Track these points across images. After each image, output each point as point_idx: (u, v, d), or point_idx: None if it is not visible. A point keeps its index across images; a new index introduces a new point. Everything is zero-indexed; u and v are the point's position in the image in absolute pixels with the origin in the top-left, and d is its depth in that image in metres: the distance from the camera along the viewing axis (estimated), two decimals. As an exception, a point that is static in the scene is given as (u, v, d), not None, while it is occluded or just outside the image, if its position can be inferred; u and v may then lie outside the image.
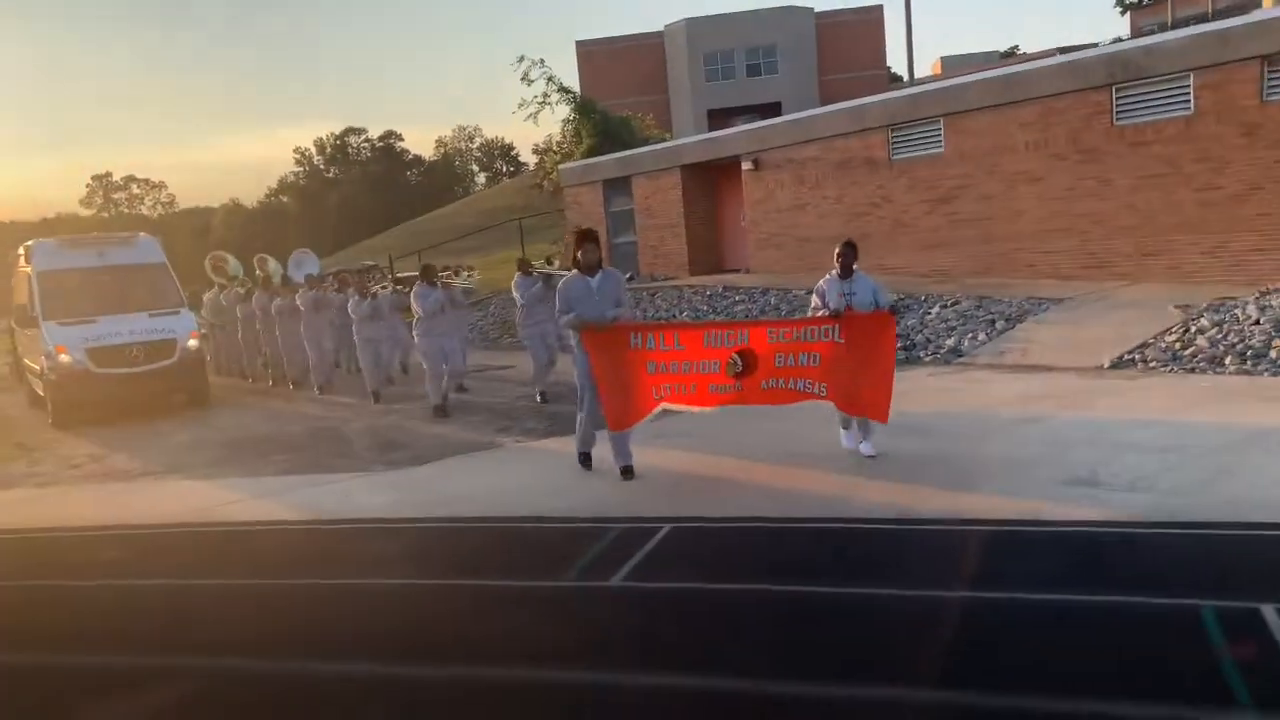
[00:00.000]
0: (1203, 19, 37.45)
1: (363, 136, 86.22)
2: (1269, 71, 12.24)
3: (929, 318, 13.45)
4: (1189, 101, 13.00)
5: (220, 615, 4.93)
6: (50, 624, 5.00)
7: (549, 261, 14.39)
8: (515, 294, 12.05)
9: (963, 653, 3.72)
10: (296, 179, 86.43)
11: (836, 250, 7.30)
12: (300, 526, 6.76)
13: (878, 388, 6.77)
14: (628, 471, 6.97)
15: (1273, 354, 9.37)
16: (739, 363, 6.85)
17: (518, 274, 12.30)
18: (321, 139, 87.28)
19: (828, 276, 7.29)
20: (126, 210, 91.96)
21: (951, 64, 59.08)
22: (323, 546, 6.27)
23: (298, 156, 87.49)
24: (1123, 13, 59.02)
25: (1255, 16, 12.96)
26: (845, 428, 7.23)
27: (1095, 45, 38.88)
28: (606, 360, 6.87)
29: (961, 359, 11.71)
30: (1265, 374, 9.02)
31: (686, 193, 21.18)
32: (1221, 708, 3.08)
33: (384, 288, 13.76)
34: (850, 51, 47.63)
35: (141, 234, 14.94)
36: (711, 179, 21.29)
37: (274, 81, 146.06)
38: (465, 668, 3.98)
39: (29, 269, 13.15)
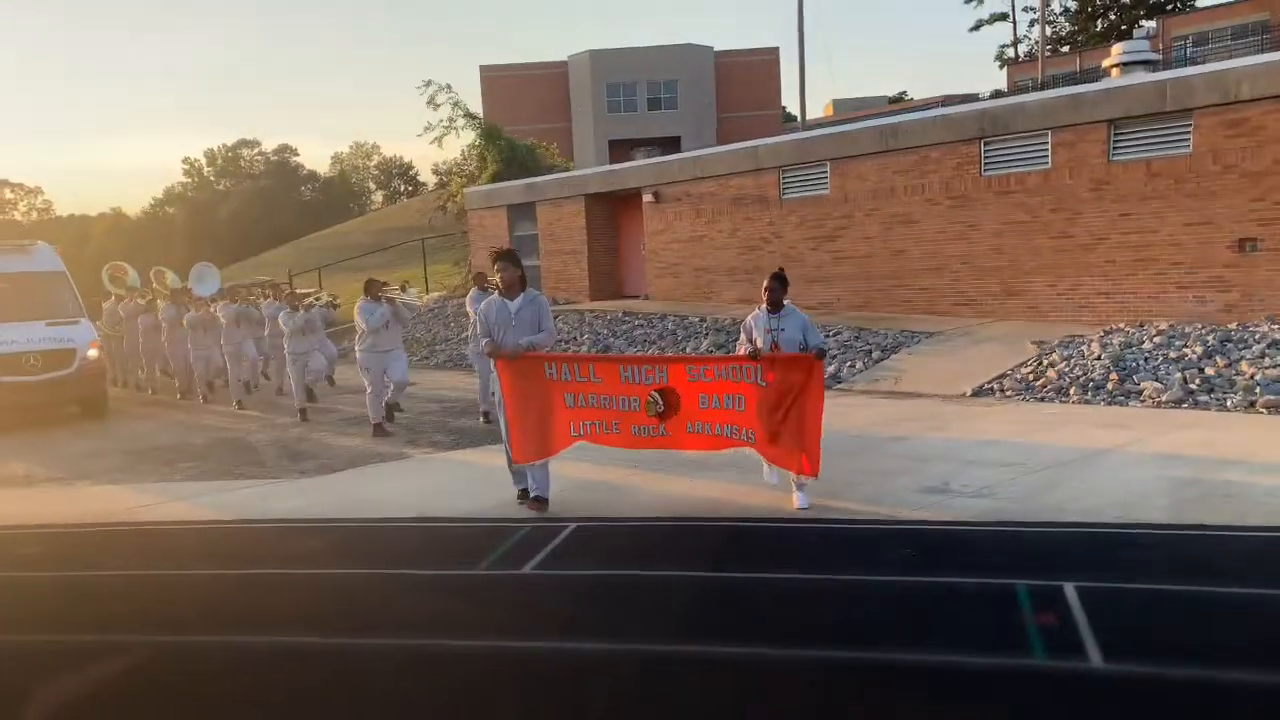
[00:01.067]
0: (1071, 79, 40.43)
1: (256, 149, 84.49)
2: (1115, 134, 13.69)
3: (813, 346, 14.41)
4: (1047, 156, 14.38)
5: (160, 599, 5.28)
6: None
7: (404, 287, 14.08)
8: (359, 319, 10.86)
9: (821, 622, 4.42)
10: (184, 190, 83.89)
11: (765, 284, 6.78)
12: (219, 526, 7.08)
13: (804, 437, 6.33)
14: (540, 503, 6.73)
15: (1109, 386, 10.56)
16: (659, 401, 6.51)
17: (363, 298, 11.03)
18: (213, 150, 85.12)
19: (756, 311, 6.92)
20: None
21: (843, 106, 61.86)
22: (245, 542, 6.62)
23: (186, 167, 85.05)
24: (1001, 67, 62.97)
25: (1104, 84, 14.45)
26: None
27: (976, 96, 41.51)
28: (521, 390, 6.63)
29: (840, 385, 12.65)
30: (1101, 403, 10.18)
31: (590, 221, 21.90)
32: (1024, 657, 3.85)
33: (316, 300, 13.95)
34: (747, 90, 49.37)
35: (40, 242, 14.74)
36: (614, 209, 22.07)
37: (163, 89, 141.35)
38: (393, 639, 4.48)
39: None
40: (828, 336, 14.67)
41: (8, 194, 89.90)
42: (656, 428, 6.62)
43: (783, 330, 6.61)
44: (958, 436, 8.57)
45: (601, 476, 7.75)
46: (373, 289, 11.03)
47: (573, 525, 6.22)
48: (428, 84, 26.50)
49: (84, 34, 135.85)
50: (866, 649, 4.09)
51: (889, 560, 5.22)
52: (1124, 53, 15.10)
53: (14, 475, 9.64)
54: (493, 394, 8.11)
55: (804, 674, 3.89)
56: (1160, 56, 17.06)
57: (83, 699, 4.07)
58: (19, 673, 4.35)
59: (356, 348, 11.08)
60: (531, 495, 6.80)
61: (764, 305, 6.77)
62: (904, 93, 71.24)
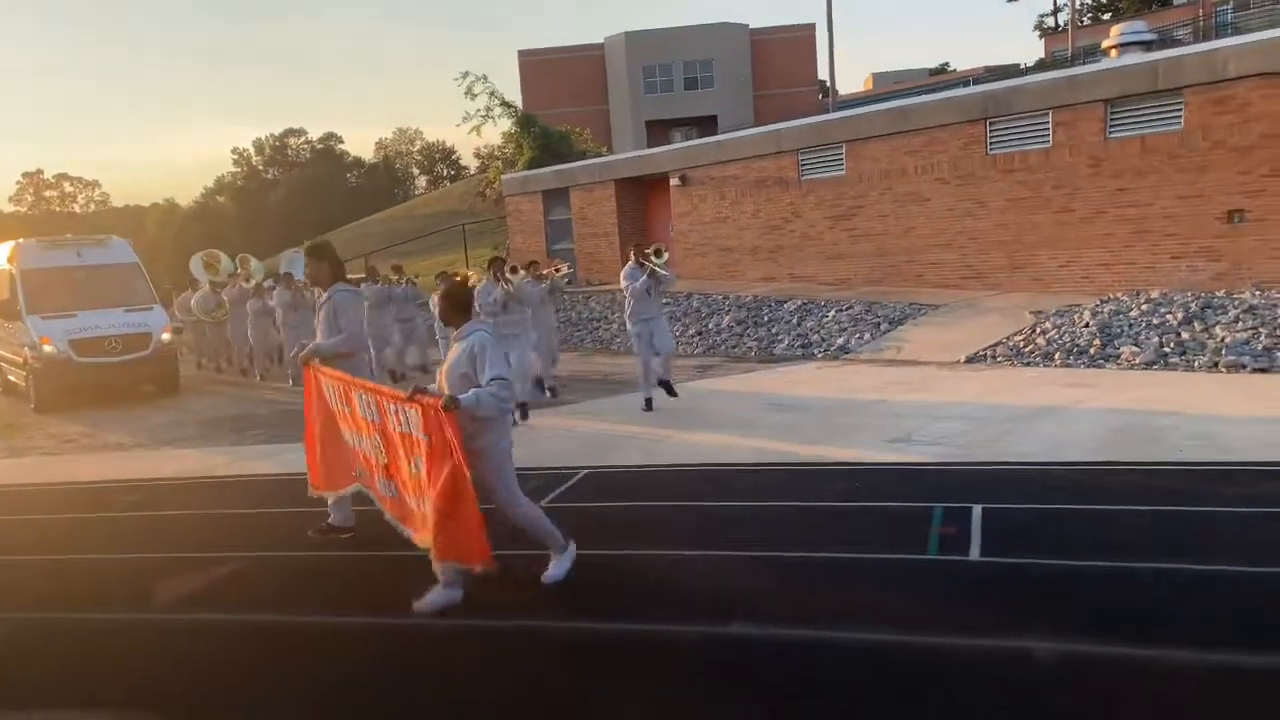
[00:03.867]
0: (1094, 50, 40.38)
1: (303, 138, 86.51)
2: (1111, 113, 14.41)
3: (825, 320, 15.37)
4: (1048, 135, 15.13)
5: (244, 529, 6.50)
6: (94, 544, 6.51)
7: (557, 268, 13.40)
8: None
9: (773, 535, 5.50)
10: (234, 179, 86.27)
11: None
12: (286, 478, 8.29)
13: (432, 513, 4.55)
14: (341, 531, 6.11)
15: (1091, 350, 11.42)
16: (381, 449, 5.15)
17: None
18: (261, 140, 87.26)
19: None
20: (58, 208, 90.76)
21: (883, 80, 61.86)
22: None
23: (236, 157, 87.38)
24: (1040, 37, 62.58)
25: (1100, 65, 15.15)
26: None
27: (1018, 68, 41.43)
28: (315, 406, 5.85)
29: (848, 355, 13.62)
30: (1080, 366, 11.05)
31: (620, 204, 22.97)
32: (919, 553, 4.93)
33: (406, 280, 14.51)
34: (784, 67, 49.69)
35: (114, 236, 16.18)
36: (643, 192, 23.09)
37: (212, 81, 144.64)
38: (413, 552, 5.65)
39: (11, 268, 14.35)
40: (840, 310, 15.62)
41: (67, 187, 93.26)
42: (385, 481, 5.20)
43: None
44: (935, 398, 9.54)
45: (610, 431, 8.88)
46: (497, 266, 10.36)
47: (584, 472, 7.36)
48: (464, 75, 27.73)
49: (133, 29, 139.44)
50: (801, 550, 5.20)
51: (838, 491, 6.30)
52: (1122, 34, 15.76)
53: (108, 443, 11.01)
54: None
55: (763, 568, 4.98)
56: (1156, 37, 17.57)
57: (199, 591, 5.29)
58: (151, 574, 5.59)
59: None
60: (334, 524, 6.15)
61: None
62: (946, 64, 70.62)
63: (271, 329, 16.30)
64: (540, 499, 6.64)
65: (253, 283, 17.16)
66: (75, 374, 13.66)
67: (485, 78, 27.66)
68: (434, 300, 11.17)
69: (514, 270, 10.26)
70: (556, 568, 4.99)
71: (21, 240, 15.09)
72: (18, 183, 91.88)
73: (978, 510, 5.47)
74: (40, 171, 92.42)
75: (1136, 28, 16.32)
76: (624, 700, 3.69)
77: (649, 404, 9.86)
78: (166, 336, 14.67)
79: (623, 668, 3.99)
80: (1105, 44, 16.48)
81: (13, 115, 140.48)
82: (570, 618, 4.53)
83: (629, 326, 10.26)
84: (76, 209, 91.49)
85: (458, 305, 4.98)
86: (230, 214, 78.02)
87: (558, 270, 12.20)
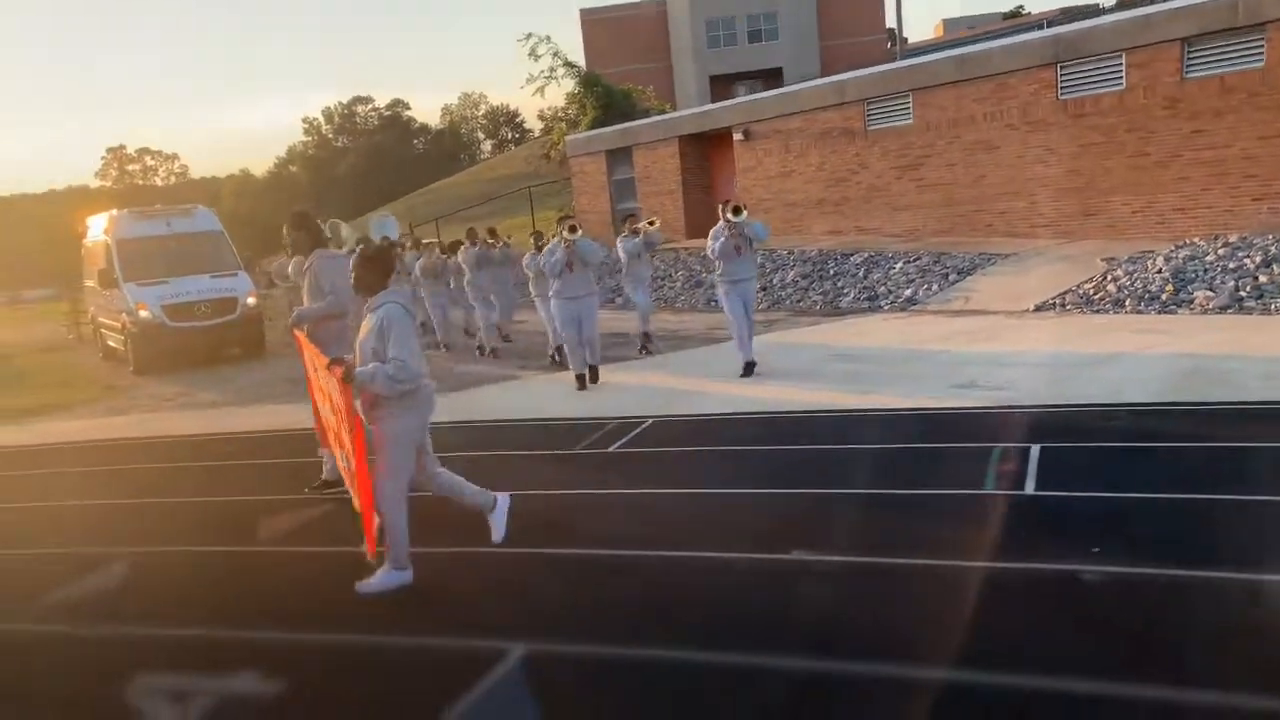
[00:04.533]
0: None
1: (370, 105, 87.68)
2: (1188, 52, 14.00)
3: (893, 272, 15.34)
4: (1121, 78, 14.77)
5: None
6: (197, 489, 7.03)
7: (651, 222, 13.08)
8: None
9: (840, 473, 5.71)
10: (305, 148, 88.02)
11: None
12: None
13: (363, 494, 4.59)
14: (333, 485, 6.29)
15: (1163, 296, 11.27)
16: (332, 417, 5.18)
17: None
18: (329, 108, 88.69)
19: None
20: (140, 182, 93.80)
21: (954, 25, 60.22)
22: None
23: (306, 126, 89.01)
24: (1119, -23, 60.04)
25: (1175, 4, 14.67)
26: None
27: (1098, 8, 39.75)
28: (308, 366, 5.93)
29: (915, 306, 13.61)
30: (1152, 312, 10.92)
31: (683, 161, 23.01)
32: (976, 488, 5.11)
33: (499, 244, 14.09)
34: (850, 16, 48.54)
35: (200, 206, 16.90)
36: (706, 148, 23.09)
37: (283, 51, 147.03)
38: (514, 491, 6.01)
39: (107, 239, 15.12)
40: (908, 262, 15.56)
41: (149, 160, 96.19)
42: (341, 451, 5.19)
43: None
44: (1002, 346, 9.57)
45: (673, 384, 9.17)
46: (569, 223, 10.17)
47: (650, 420, 7.65)
48: (528, 36, 27.88)
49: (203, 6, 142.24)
50: (857, 488, 5.43)
51: (898, 435, 6.47)
52: (1201, -31, 15.18)
53: (203, 400, 11.67)
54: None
55: (820, 504, 5.22)
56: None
57: (309, 521, 5.74)
58: (251, 514, 6.06)
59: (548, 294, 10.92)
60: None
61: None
62: (1020, 7, 68.16)
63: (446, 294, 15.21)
64: (610, 444, 6.96)
65: (345, 249, 17.17)
66: (169, 338, 14.39)
67: (549, 39, 27.94)
68: (525, 259, 11.45)
69: (572, 230, 10.21)
70: (382, 580, 4.60)
71: (115, 211, 15.86)
72: (102, 158, 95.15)
73: (1036, 449, 5.60)
74: (123, 146, 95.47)
75: (1216, -38, 15.70)
76: (678, 614, 3.96)
77: (749, 368, 9.21)
78: (251, 301, 15.33)
79: (682, 584, 4.27)
80: (1183, -20, 15.90)
81: (95, 91, 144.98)
82: (634, 545, 4.81)
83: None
84: (158, 182, 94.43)
85: (378, 270, 4.68)
86: (302, 182, 79.75)
87: (651, 224, 12.33)
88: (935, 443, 6.23)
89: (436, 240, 17.89)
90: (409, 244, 16.86)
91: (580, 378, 9.40)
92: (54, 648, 4.27)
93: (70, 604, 4.82)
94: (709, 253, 9.47)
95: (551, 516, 5.52)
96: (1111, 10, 28.21)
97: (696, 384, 9.18)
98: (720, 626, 3.82)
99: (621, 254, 11.77)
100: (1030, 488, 5.01)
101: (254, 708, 3.55)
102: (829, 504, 5.25)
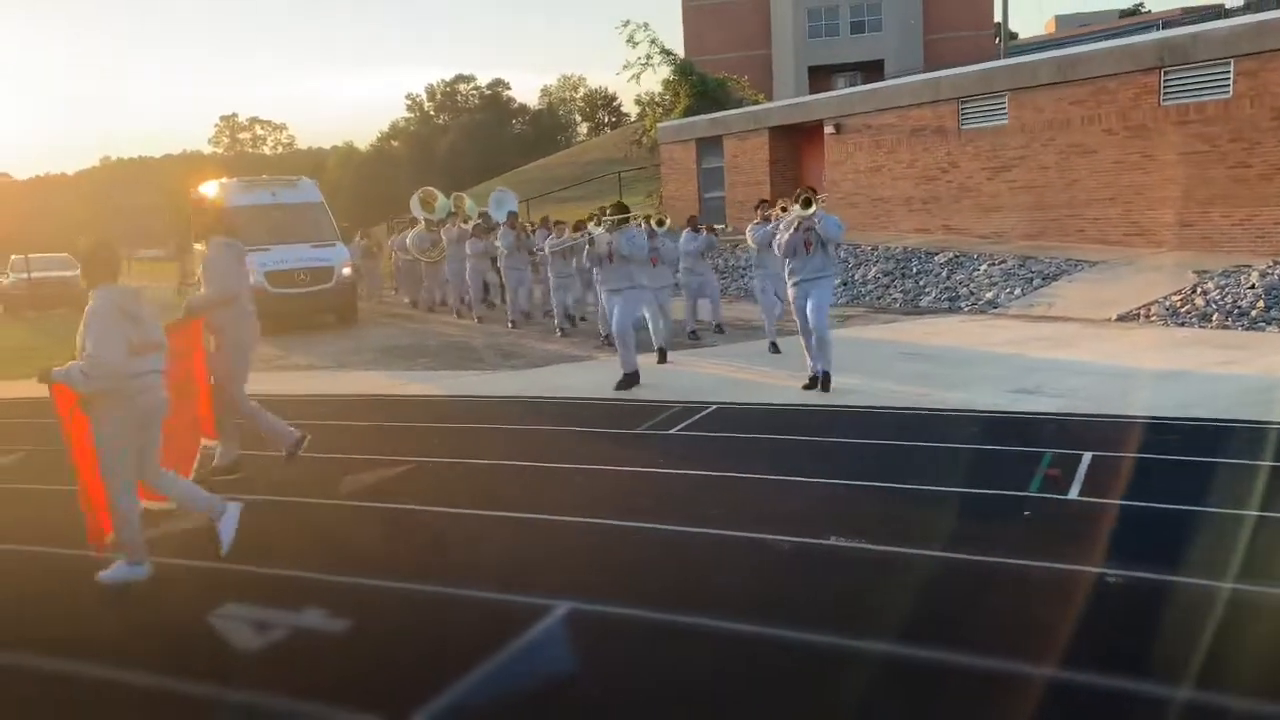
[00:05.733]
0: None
1: (471, 84, 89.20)
2: (1301, 61, 13.52)
3: (976, 274, 15.21)
4: (1228, 86, 14.32)
5: (419, 439, 7.39)
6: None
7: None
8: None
9: (896, 467, 5.87)
10: (408, 124, 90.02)
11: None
12: (455, 399, 9.27)
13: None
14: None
15: (1253, 313, 10.99)
16: None
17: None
18: (432, 85, 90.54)
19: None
20: (250, 150, 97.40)
21: (1066, 23, 58.27)
22: (476, 410, 8.82)
23: (409, 102, 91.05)
24: (1248, -25, 57.27)
25: (1292, 10, 14.16)
26: None
27: (1221, 8, 38.05)
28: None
29: (996, 309, 13.52)
30: (1239, 329, 10.68)
31: (773, 153, 23.04)
32: (1020, 490, 5.24)
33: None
34: (957, 9, 47.30)
35: (303, 177, 17.70)
36: (796, 141, 23.07)
37: (391, 27, 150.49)
38: (575, 465, 6.34)
39: (218, 205, 15.98)
40: (992, 264, 15.38)
41: (259, 130, 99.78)
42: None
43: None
44: (1075, 354, 9.51)
45: (738, 374, 9.40)
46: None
47: (713, 406, 7.91)
48: (626, 23, 28.20)
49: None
50: (903, 482, 5.60)
51: (955, 434, 6.58)
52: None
53: (298, 364, 12.34)
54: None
55: (867, 496, 5.41)
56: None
57: (387, 480, 6.17)
58: (340, 470, 6.53)
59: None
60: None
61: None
62: (1140, 4, 65.35)
63: (490, 270, 16.39)
64: (672, 427, 7.24)
65: (470, 224, 16.71)
66: (270, 303, 15.10)
67: (646, 25, 28.13)
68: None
69: (660, 224, 10.48)
70: (115, 572, 4.57)
71: (225, 179, 16.73)
72: (215, 125, 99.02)
73: (1087, 457, 5.67)
74: (235, 115, 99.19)
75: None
76: (720, 586, 4.21)
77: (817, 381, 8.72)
78: (347, 271, 16.04)
79: (715, 556, 4.52)
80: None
81: (210, 58, 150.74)
82: (688, 523, 5.08)
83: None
84: (266, 150, 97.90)
85: (98, 264, 4.61)
86: (403, 157, 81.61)
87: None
88: (988, 444, 6.34)
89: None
90: (538, 222, 16.84)
91: (627, 377, 9.00)
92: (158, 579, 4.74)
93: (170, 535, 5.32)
94: (773, 245, 8.62)
95: (605, 491, 5.83)
96: (1238, 12, 26.91)
97: (762, 373, 9.39)
98: (758, 602, 4.07)
99: (751, 242, 10.72)
100: (1074, 493, 5.10)
101: (323, 638, 3.95)
102: (872, 496, 5.43)
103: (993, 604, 3.88)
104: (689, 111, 27.28)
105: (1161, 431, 6.33)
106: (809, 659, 3.53)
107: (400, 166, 77.74)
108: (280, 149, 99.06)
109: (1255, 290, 11.57)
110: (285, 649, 3.83)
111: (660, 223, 10.32)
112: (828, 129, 21.33)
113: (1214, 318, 11.16)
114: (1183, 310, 11.64)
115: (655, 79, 64.57)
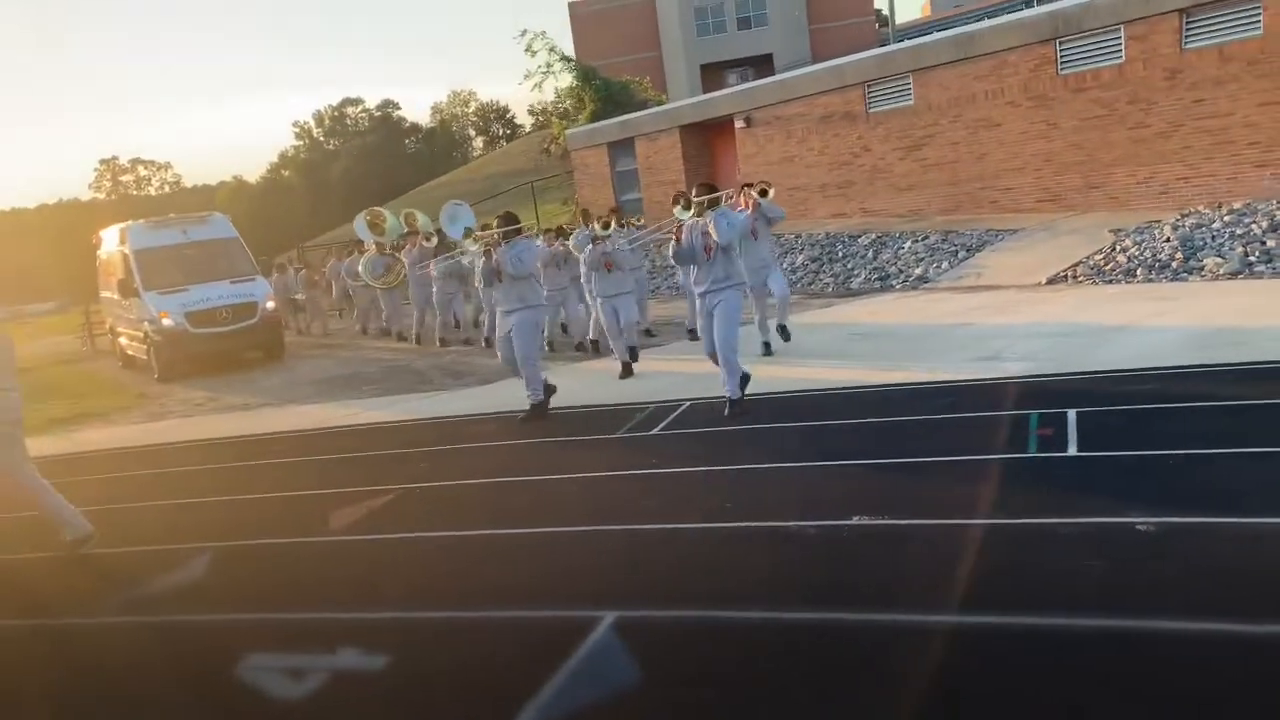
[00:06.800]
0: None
1: (360, 107, 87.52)
2: (1187, 22, 14.19)
3: (901, 252, 15.55)
4: (1120, 51, 14.96)
5: (391, 464, 7.16)
6: (258, 485, 7.24)
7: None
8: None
9: (875, 445, 5.93)
10: (298, 152, 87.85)
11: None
12: (413, 422, 9.01)
13: None
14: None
15: (1174, 264, 11.48)
16: None
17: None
18: (320, 111, 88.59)
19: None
20: (135, 192, 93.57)
21: (941, 5, 60.16)
22: (437, 431, 8.54)
23: (298, 130, 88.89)
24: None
25: (1174, -25, 14.84)
26: None
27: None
28: None
29: (927, 284, 13.83)
30: (1163, 281, 11.15)
31: (685, 150, 23.19)
32: (1020, 452, 5.33)
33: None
34: (838, 1, 48.63)
35: (215, 213, 17.07)
36: (707, 137, 23.26)
37: (268, 54, 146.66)
38: (568, 475, 6.22)
39: (124, 249, 15.29)
40: (916, 241, 15.74)
41: (141, 170, 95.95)
42: None
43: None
44: (1020, 319, 9.79)
45: (708, 369, 9.34)
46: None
47: (687, 403, 7.87)
48: (523, 33, 28.07)
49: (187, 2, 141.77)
50: (904, 457, 5.64)
51: (935, 406, 6.69)
52: (1196, -61, 15.37)
53: (233, 404, 11.87)
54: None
55: (868, 474, 5.44)
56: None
57: (376, 511, 5.95)
58: (316, 506, 6.27)
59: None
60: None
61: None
62: (1010, -17, 67.77)
63: (460, 293, 14.91)
64: (652, 428, 7.18)
65: (433, 242, 15.37)
66: (192, 344, 14.59)
67: (544, 34, 28.04)
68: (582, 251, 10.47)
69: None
70: None
71: (130, 223, 16.02)
72: (95, 170, 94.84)
73: (1072, 414, 5.83)
74: (115, 158, 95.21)
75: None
76: (743, 573, 4.17)
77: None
78: (270, 305, 15.51)
79: (747, 548, 4.48)
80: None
81: (85, 102, 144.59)
82: (706, 519, 5.03)
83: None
84: (152, 191, 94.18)
85: None
86: (297, 186, 79.61)
87: (764, 193, 10.60)
88: (972, 411, 6.46)
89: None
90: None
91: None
92: (158, 635, 4.47)
93: (170, 593, 5.03)
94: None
95: (608, 497, 5.74)
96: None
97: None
98: (803, 587, 4.04)
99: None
100: (1072, 449, 5.23)
101: (362, 681, 3.77)
102: (874, 473, 5.47)
103: (1037, 562, 3.92)
104: (595, 116, 27.26)
105: (1130, 382, 6.55)
106: (878, 639, 3.51)
107: (295, 195, 75.81)
108: (167, 188, 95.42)
109: (1171, 243, 12.09)
110: (330, 694, 3.63)
111: (607, 225, 10.11)
112: (738, 123, 21.55)
113: (1138, 272, 11.61)
114: (1107, 268, 12.09)
115: (555, 86, 64.47)
